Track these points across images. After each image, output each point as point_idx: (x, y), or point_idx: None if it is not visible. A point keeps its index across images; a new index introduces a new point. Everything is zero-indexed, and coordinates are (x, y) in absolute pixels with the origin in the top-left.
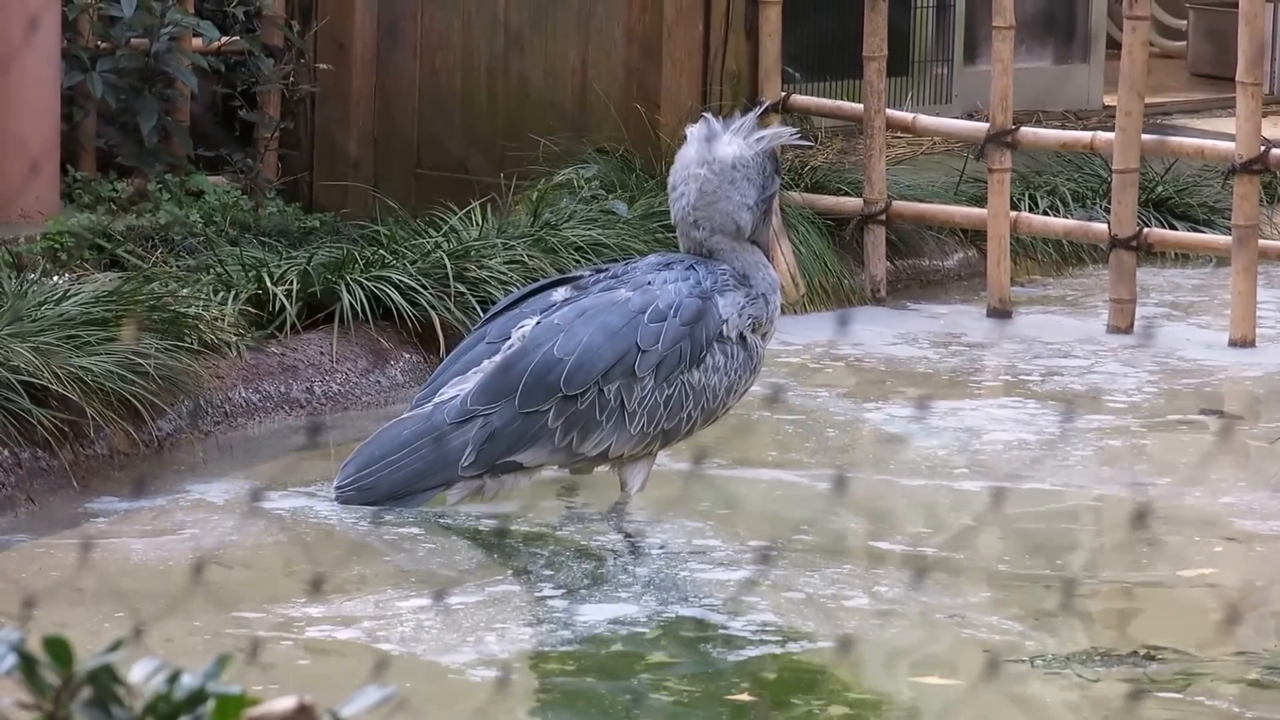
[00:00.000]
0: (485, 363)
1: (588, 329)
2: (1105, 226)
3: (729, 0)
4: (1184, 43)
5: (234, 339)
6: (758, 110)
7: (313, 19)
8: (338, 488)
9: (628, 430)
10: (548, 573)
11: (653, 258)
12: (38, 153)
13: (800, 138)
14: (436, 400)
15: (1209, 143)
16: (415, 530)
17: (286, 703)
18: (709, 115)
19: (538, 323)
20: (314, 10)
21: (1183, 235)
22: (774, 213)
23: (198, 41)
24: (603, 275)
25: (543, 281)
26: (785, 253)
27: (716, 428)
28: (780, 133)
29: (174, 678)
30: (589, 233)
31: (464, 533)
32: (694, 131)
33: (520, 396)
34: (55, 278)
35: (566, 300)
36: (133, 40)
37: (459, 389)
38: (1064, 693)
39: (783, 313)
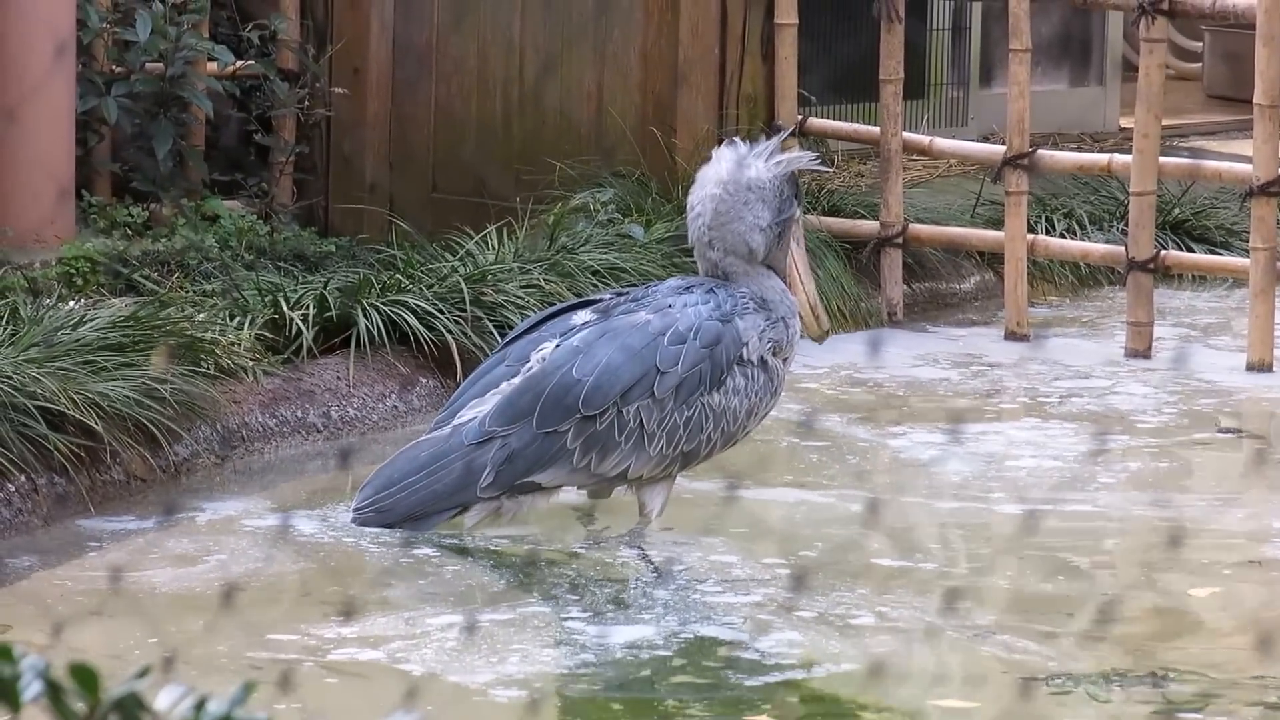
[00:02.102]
0: (504, 385)
1: (607, 350)
2: (1122, 249)
3: (745, 23)
4: (1200, 65)
5: (250, 364)
6: (782, 135)
7: (328, 43)
8: (356, 509)
9: (647, 451)
10: (570, 596)
11: (673, 281)
12: (53, 178)
13: (819, 162)
14: (455, 422)
15: (1226, 165)
16: (436, 553)
17: None
18: (735, 139)
19: (558, 345)
20: (329, 34)
21: (1200, 258)
22: (797, 241)
23: (213, 66)
24: (623, 298)
25: (563, 305)
26: (807, 285)
27: (739, 450)
28: (800, 156)
29: (200, 704)
30: (606, 256)
31: (485, 556)
32: (717, 153)
33: (539, 417)
34: (71, 303)
35: (587, 323)
36: (148, 65)
37: (477, 411)
38: (1083, 714)
39: (802, 336)
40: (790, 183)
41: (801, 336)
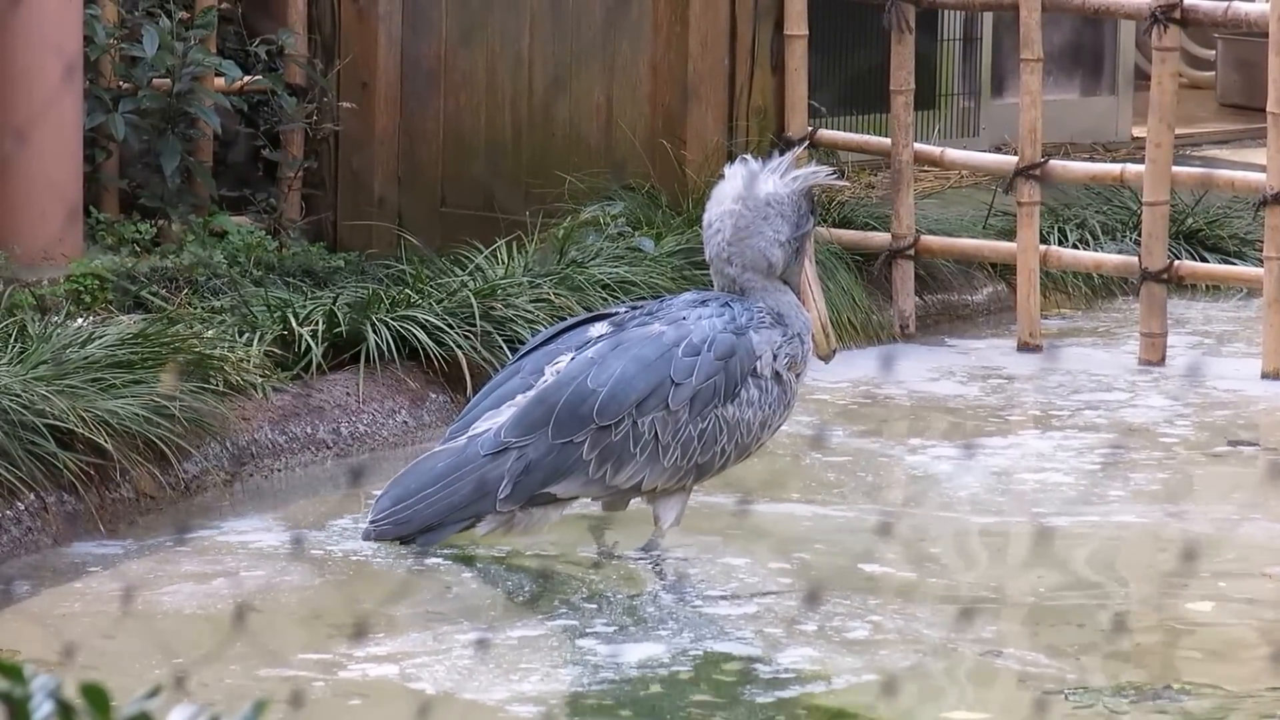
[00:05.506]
0: (519, 396)
1: (621, 361)
2: (1136, 259)
3: (755, 35)
4: (1212, 73)
5: (260, 380)
6: (795, 150)
7: (335, 58)
8: (372, 521)
9: (661, 463)
10: (584, 612)
11: (688, 295)
12: (61, 195)
13: (834, 176)
14: (470, 433)
15: (1239, 174)
16: (448, 571)
17: None
18: (748, 156)
19: (573, 358)
20: (337, 49)
21: (1213, 267)
22: (809, 258)
23: (220, 81)
24: (638, 311)
25: (578, 318)
26: (818, 302)
27: (753, 464)
28: (817, 171)
29: None
30: (616, 270)
31: (498, 573)
32: (731, 170)
33: (554, 427)
34: (80, 320)
35: (602, 336)
36: (155, 80)
37: (492, 422)
38: None
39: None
40: (807, 197)
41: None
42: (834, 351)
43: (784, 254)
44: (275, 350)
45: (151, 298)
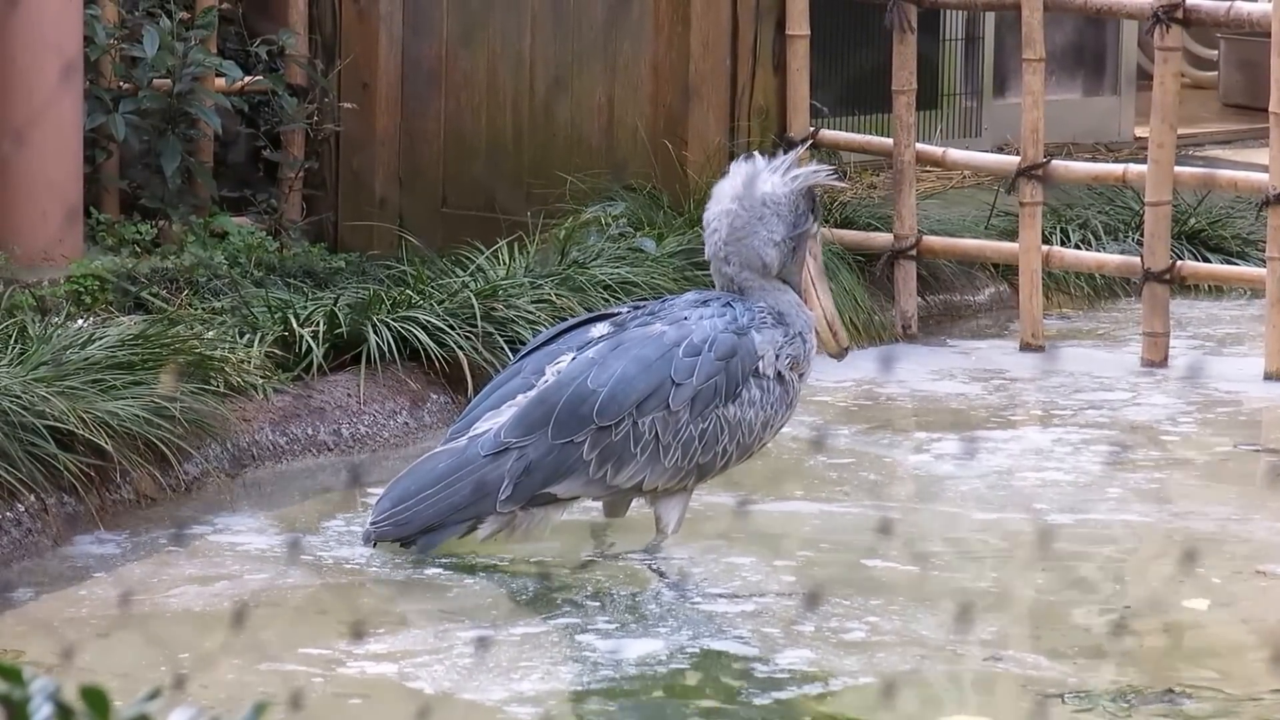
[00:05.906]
0: (520, 396)
1: (621, 361)
2: (1138, 259)
3: (756, 35)
4: (1215, 73)
5: (260, 381)
6: (799, 150)
7: (336, 58)
8: (373, 523)
9: (662, 463)
10: (585, 611)
11: (690, 295)
12: (61, 195)
13: (834, 176)
14: (471, 434)
15: (1242, 174)
16: (447, 571)
17: None
18: (753, 154)
19: (574, 358)
20: (338, 49)
21: (1216, 268)
22: (814, 258)
23: (220, 82)
24: (640, 312)
25: (580, 318)
26: (824, 302)
27: (754, 464)
28: (816, 171)
29: None
30: (617, 271)
31: (498, 573)
32: (733, 168)
33: (554, 427)
34: (80, 321)
35: (603, 336)
36: (155, 81)
37: (493, 423)
38: None
39: (819, 353)
40: (807, 197)
41: (818, 353)
42: (846, 350)
43: (779, 254)
44: (276, 351)
45: (152, 299)
